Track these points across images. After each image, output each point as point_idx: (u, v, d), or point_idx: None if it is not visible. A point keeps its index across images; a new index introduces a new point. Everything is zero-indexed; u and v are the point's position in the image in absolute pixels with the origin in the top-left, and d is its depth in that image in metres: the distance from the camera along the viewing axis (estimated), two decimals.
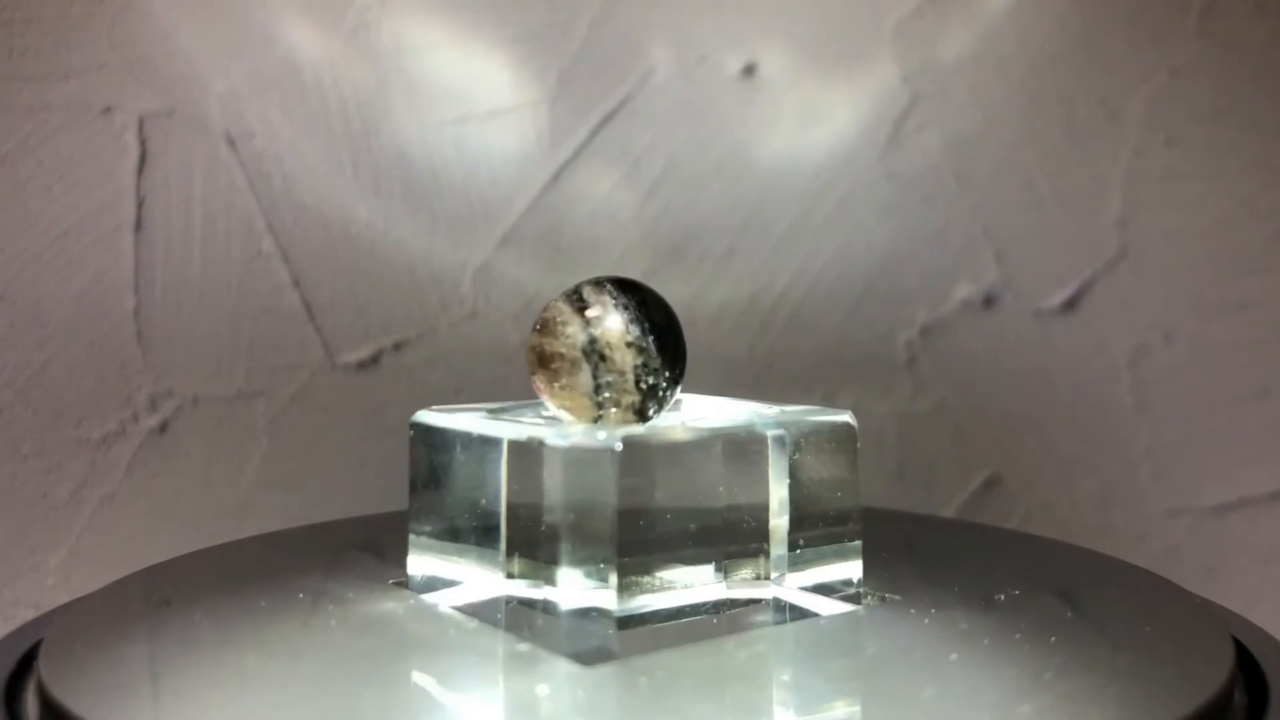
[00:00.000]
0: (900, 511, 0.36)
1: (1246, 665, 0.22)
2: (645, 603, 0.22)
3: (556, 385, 0.23)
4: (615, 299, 0.23)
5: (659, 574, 0.22)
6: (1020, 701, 0.19)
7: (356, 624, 0.23)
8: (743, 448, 0.23)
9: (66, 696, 0.19)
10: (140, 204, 0.38)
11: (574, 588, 0.21)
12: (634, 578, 0.21)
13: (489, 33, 0.39)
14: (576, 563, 0.21)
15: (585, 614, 0.21)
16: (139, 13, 0.38)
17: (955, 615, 0.23)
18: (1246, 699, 0.21)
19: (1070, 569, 0.28)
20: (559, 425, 0.23)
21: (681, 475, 0.23)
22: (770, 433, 0.23)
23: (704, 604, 0.23)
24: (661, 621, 0.22)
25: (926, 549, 0.30)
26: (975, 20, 0.39)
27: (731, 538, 0.23)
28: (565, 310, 0.23)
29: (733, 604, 0.23)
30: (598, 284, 0.24)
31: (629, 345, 0.23)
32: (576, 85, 0.39)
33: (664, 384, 0.24)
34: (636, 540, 0.21)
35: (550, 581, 0.22)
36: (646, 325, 0.23)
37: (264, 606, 0.24)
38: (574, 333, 0.23)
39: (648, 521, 0.22)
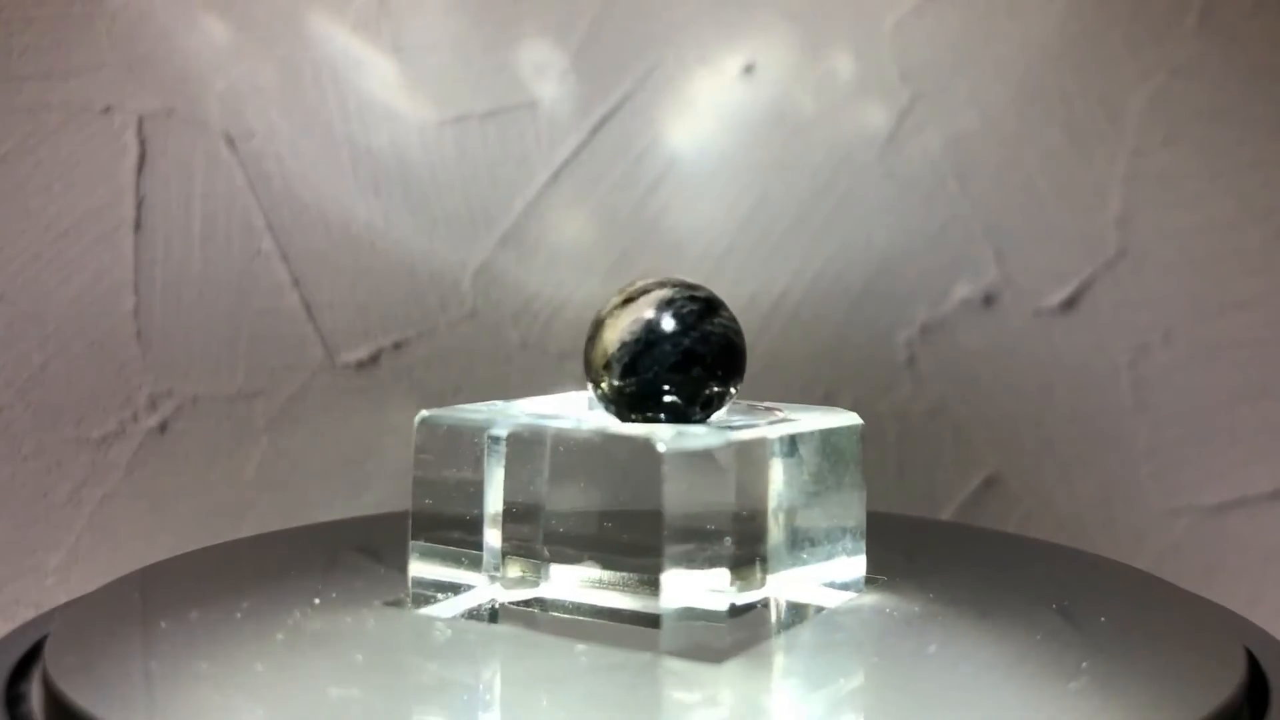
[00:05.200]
0: (898, 515, 0.36)
1: (1247, 666, 0.22)
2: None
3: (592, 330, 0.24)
4: (679, 299, 0.24)
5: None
6: (1029, 708, 0.19)
7: (357, 622, 0.23)
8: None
9: (73, 692, 0.19)
10: (140, 204, 0.38)
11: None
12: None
13: (489, 33, 0.39)
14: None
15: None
16: (139, 13, 0.38)
17: (954, 621, 0.23)
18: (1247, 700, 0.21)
19: (1071, 574, 0.28)
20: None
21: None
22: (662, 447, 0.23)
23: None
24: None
25: (924, 554, 0.30)
26: (975, 20, 0.39)
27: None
28: (649, 282, 0.24)
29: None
30: (686, 287, 0.24)
31: (625, 328, 0.23)
32: (576, 85, 0.39)
33: (626, 387, 0.23)
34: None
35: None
36: (658, 330, 0.23)
37: (264, 606, 0.24)
38: (627, 292, 0.24)
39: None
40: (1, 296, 0.37)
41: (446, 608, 0.23)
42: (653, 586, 0.21)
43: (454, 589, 0.24)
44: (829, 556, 0.24)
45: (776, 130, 0.39)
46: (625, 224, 0.39)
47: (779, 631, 0.23)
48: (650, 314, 0.24)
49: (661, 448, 0.21)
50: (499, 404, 0.25)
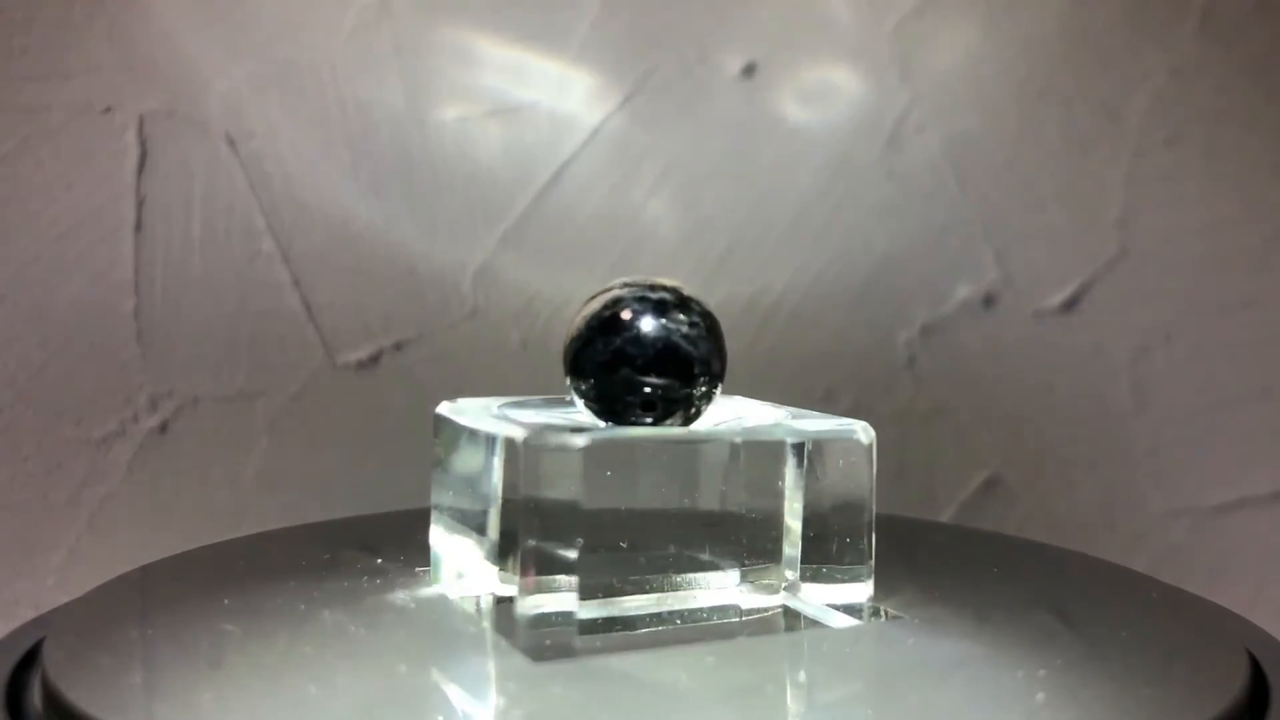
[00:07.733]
0: (898, 516, 0.36)
1: (1249, 668, 0.22)
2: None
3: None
4: (628, 298, 0.23)
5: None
6: (1022, 712, 0.19)
7: (357, 620, 0.23)
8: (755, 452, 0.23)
9: (73, 692, 0.19)
10: (140, 204, 0.38)
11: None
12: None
13: (489, 33, 0.39)
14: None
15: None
16: (139, 13, 0.38)
17: (951, 627, 0.23)
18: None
19: (1071, 576, 0.28)
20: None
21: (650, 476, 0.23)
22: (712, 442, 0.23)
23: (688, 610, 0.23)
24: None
25: (923, 557, 0.30)
26: (975, 20, 0.39)
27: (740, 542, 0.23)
28: (616, 282, 0.23)
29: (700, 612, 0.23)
30: (646, 287, 0.23)
31: (576, 326, 0.23)
32: (577, 85, 0.39)
33: (583, 388, 0.23)
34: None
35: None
36: (595, 328, 0.23)
37: (265, 604, 0.24)
38: (595, 292, 0.23)
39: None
40: (2, 297, 0.37)
41: (455, 588, 0.24)
42: (509, 581, 0.21)
43: (470, 577, 0.24)
44: (817, 577, 0.24)
45: (776, 130, 0.39)
46: (625, 224, 0.39)
47: (676, 644, 0.22)
48: (594, 311, 0.23)
49: (519, 439, 0.21)
50: (517, 400, 0.26)
